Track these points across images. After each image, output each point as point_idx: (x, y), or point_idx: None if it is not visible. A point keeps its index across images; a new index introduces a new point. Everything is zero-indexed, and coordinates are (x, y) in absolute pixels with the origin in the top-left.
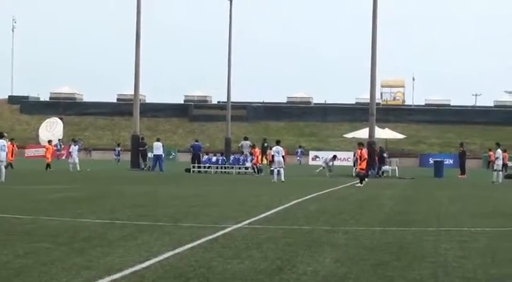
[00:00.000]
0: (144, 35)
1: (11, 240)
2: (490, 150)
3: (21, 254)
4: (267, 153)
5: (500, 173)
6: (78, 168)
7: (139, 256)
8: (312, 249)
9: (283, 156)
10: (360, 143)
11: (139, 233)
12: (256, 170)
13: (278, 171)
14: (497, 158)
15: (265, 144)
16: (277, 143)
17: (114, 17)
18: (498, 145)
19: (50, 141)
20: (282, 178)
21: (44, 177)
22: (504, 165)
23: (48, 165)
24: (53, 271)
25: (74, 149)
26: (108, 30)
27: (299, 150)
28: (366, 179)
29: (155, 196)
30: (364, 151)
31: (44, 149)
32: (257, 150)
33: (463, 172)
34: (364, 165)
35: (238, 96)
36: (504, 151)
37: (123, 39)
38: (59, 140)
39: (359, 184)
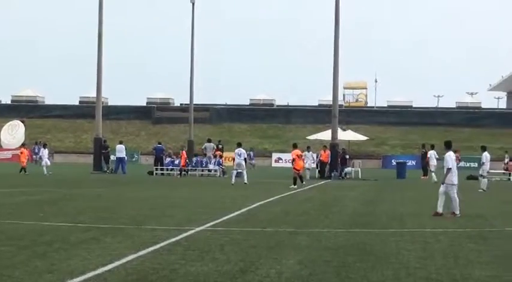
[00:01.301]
0: (106, 37)
1: None
2: (424, 147)
3: None
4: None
5: (486, 180)
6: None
7: (102, 259)
8: (275, 251)
9: (245, 159)
10: (324, 146)
11: (102, 236)
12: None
13: (240, 173)
14: (483, 163)
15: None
16: (239, 145)
17: (76, 20)
18: (484, 149)
19: (24, 145)
20: (245, 180)
21: (7, 180)
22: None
23: (23, 169)
24: (15, 274)
25: (44, 152)
26: (70, 32)
27: (251, 152)
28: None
29: (118, 199)
30: (327, 153)
31: (10, 153)
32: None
33: (425, 173)
34: (299, 165)
35: (201, 98)
36: (455, 152)
37: (86, 41)
38: (36, 143)
39: (293, 186)
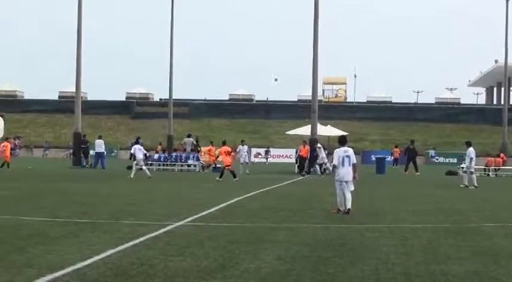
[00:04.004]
0: (85, 31)
1: None
2: (396, 146)
3: None
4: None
5: (474, 176)
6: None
7: (80, 254)
8: (254, 246)
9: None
10: (304, 141)
11: (80, 231)
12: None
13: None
14: (471, 158)
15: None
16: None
17: (55, 14)
18: (469, 144)
19: (7, 139)
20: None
21: None
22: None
23: (5, 164)
24: None
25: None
26: (49, 26)
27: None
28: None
29: (97, 194)
30: (307, 148)
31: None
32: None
33: (407, 169)
34: (227, 161)
35: (181, 93)
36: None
37: (65, 36)
38: (16, 137)
39: (218, 178)
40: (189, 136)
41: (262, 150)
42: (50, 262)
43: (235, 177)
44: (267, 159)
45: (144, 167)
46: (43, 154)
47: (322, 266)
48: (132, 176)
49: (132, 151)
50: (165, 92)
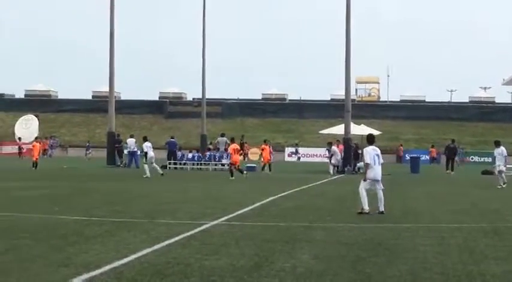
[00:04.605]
0: (118, 31)
1: None
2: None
3: (1, 251)
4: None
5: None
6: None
7: (117, 253)
8: (289, 245)
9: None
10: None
11: (116, 230)
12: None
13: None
14: (505, 156)
15: (242, 141)
16: (232, 141)
17: (89, 14)
18: (499, 144)
19: (37, 138)
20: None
21: (21, 174)
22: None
23: (34, 164)
24: (33, 268)
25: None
26: (83, 26)
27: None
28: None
29: (131, 193)
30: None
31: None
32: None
33: (448, 168)
34: (234, 159)
35: (214, 93)
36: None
37: (99, 35)
38: (51, 137)
39: (232, 178)
40: (222, 135)
41: (292, 149)
42: (87, 261)
43: (242, 173)
44: (298, 158)
45: (146, 166)
46: (86, 153)
47: (359, 266)
48: (148, 175)
49: (145, 149)
50: (198, 91)
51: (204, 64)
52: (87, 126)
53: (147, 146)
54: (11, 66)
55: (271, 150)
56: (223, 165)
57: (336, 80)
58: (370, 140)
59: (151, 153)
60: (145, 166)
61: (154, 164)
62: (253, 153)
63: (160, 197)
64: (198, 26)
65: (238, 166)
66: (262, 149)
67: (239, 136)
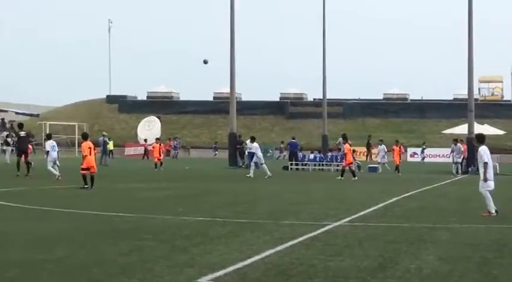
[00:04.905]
0: (238, 33)
1: (115, 238)
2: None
3: (125, 252)
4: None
5: None
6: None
7: (240, 254)
8: (414, 246)
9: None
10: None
11: (240, 231)
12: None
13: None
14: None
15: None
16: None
17: (209, 14)
18: None
19: (157, 139)
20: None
21: (145, 176)
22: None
23: (156, 165)
24: (156, 268)
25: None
26: (200, 28)
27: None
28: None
29: (254, 193)
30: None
31: (150, 148)
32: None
33: None
34: (349, 159)
35: (334, 93)
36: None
37: (220, 37)
38: (174, 138)
39: (353, 178)
40: (343, 136)
41: (418, 150)
42: (211, 262)
43: (354, 175)
44: (423, 159)
45: (265, 166)
46: (214, 154)
47: (485, 267)
48: (251, 175)
49: (253, 150)
50: (319, 91)
51: (325, 64)
52: (208, 127)
53: (255, 146)
54: (134, 69)
55: (402, 151)
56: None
57: (459, 79)
58: (482, 139)
59: (260, 153)
60: (264, 166)
61: (264, 165)
62: (375, 154)
63: (282, 197)
64: (318, 27)
65: (350, 167)
66: (393, 150)
67: (361, 136)
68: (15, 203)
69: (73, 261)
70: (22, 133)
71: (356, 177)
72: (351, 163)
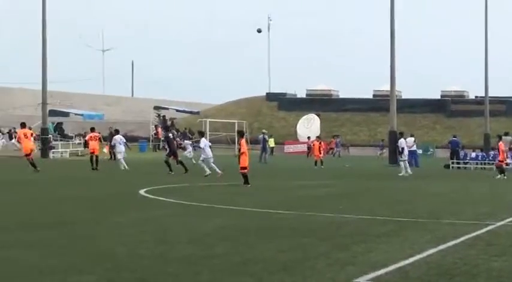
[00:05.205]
0: (399, 29)
1: (276, 235)
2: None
3: (285, 249)
4: None
5: None
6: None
7: (402, 252)
8: None
9: None
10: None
11: (401, 229)
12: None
13: None
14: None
15: None
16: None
17: (367, 15)
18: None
19: (318, 137)
20: None
21: (307, 173)
22: None
23: (316, 162)
24: (317, 266)
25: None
26: (363, 28)
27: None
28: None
29: (413, 192)
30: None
31: (305, 145)
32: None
33: None
34: (501, 157)
35: (497, 90)
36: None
37: (379, 33)
38: (337, 136)
39: (499, 176)
40: (506, 134)
41: None
42: (373, 260)
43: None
44: None
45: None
46: (379, 153)
47: None
48: (404, 174)
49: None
50: (481, 89)
51: (487, 60)
52: (367, 125)
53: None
54: (294, 67)
55: None
56: (507, 165)
57: None
58: None
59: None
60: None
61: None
62: None
63: (444, 196)
64: (480, 21)
65: (501, 166)
66: None
67: None
68: (176, 200)
69: (233, 258)
70: (169, 134)
71: (504, 176)
72: (502, 161)
